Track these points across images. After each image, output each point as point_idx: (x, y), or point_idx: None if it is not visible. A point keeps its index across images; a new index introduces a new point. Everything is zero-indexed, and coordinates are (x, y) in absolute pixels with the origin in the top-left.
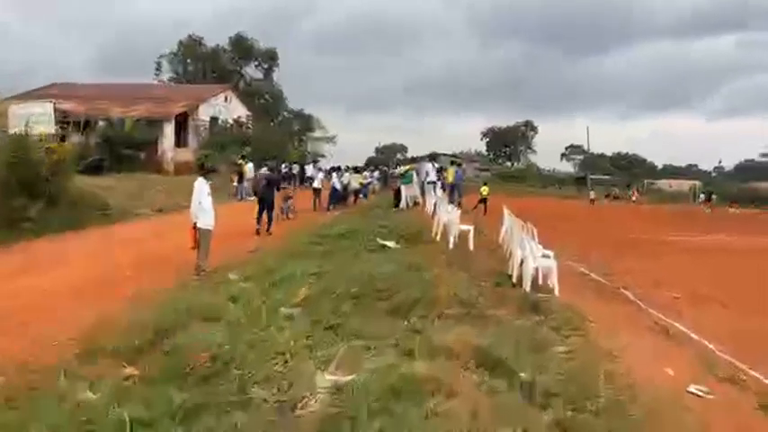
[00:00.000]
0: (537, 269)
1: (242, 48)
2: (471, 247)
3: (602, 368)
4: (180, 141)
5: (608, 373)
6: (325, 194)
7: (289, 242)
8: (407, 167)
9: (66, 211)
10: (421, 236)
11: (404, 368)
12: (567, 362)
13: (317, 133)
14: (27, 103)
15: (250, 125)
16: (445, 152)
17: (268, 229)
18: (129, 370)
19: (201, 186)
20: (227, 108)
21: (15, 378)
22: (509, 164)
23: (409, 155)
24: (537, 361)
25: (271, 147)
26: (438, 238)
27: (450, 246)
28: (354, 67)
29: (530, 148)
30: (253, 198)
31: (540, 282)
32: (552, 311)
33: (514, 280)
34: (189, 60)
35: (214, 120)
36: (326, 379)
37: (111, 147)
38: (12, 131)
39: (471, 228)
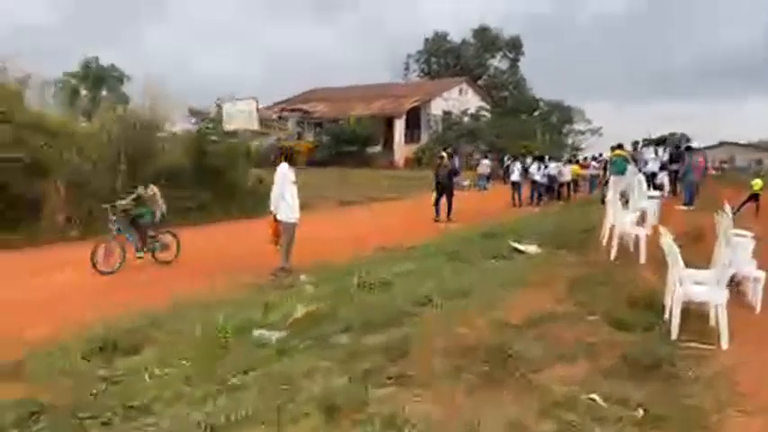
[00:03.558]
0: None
1: (485, 39)
2: (643, 258)
3: None
4: (412, 136)
5: None
6: (527, 189)
7: (420, 241)
8: (616, 153)
9: (239, 202)
10: (586, 240)
11: None
12: None
13: (580, 125)
14: (236, 103)
15: (482, 117)
16: (737, 141)
17: (448, 215)
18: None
19: (284, 174)
20: (460, 101)
21: None
22: None
23: (695, 145)
24: None
25: (507, 139)
26: (605, 243)
27: (612, 255)
28: (634, 51)
29: None
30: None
31: (714, 323)
32: (687, 380)
33: (666, 316)
34: (433, 58)
35: (447, 114)
36: None
37: (336, 143)
38: (226, 128)
39: (643, 232)
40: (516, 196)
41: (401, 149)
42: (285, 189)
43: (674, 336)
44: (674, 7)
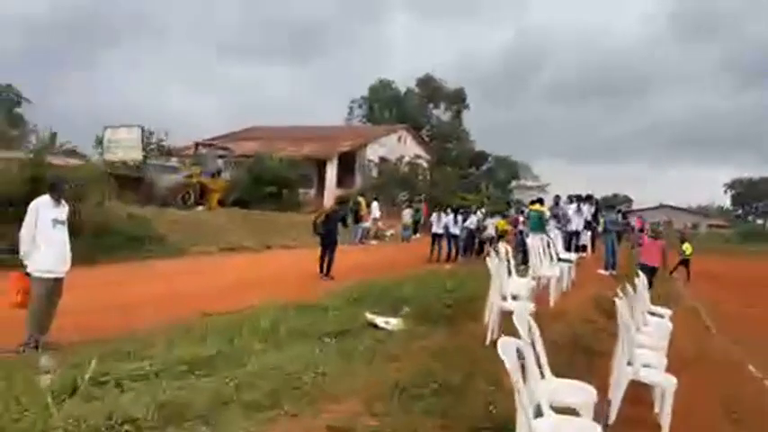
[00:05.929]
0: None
1: (429, 89)
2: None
3: None
4: (345, 181)
5: None
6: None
7: (271, 304)
8: (533, 208)
9: (82, 242)
10: (470, 312)
11: None
12: None
13: (529, 182)
14: (118, 129)
15: (419, 166)
16: (673, 204)
17: (327, 272)
18: None
19: (40, 210)
20: (399, 148)
21: None
22: (760, 222)
23: (634, 207)
24: None
25: (444, 191)
26: (487, 318)
27: (489, 337)
28: (583, 117)
29: None
30: (375, 242)
31: None
32: None
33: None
34: (376, 104)
35: (384, 160)
36: None
37: (255, 183)
38: (105, 156)
39: (526, 309)
40: (436, 250)
41: (332, 193)
42: (39, 230)
43: None
44: (625, 77)
